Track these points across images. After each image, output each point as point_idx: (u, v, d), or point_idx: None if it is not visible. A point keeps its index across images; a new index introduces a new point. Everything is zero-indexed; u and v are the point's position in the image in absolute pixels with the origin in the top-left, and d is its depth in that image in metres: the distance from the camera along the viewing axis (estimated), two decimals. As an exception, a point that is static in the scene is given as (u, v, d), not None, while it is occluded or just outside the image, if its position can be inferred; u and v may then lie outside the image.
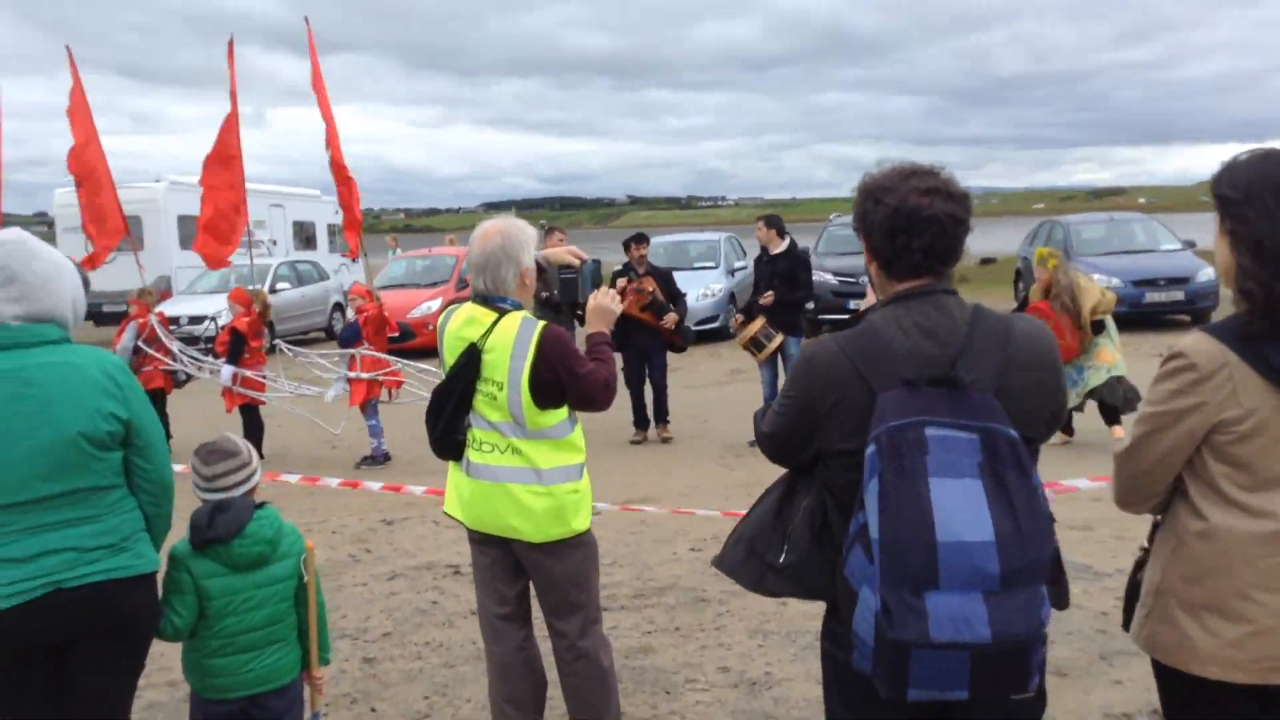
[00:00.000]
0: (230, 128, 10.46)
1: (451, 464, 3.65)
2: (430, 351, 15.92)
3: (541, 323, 3.49)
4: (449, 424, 3.54)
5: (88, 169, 10.50)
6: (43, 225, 29.60)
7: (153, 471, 2.86)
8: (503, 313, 3.49)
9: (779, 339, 8.97)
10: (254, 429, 9.59)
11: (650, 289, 9.59)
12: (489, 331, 3.47)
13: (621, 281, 9.65)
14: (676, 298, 9.84)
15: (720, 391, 12.74)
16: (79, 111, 10.37)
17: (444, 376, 3.59)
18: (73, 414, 2.66)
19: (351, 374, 9.20)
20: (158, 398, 9.99)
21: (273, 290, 18.42)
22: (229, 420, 9.87)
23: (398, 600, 5.73)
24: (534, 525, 3.47)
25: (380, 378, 9.22)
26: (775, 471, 2.45)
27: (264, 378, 9.61)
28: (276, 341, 9.99)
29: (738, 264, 18.52)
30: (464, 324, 3.55)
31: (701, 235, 21.12)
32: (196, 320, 17.14)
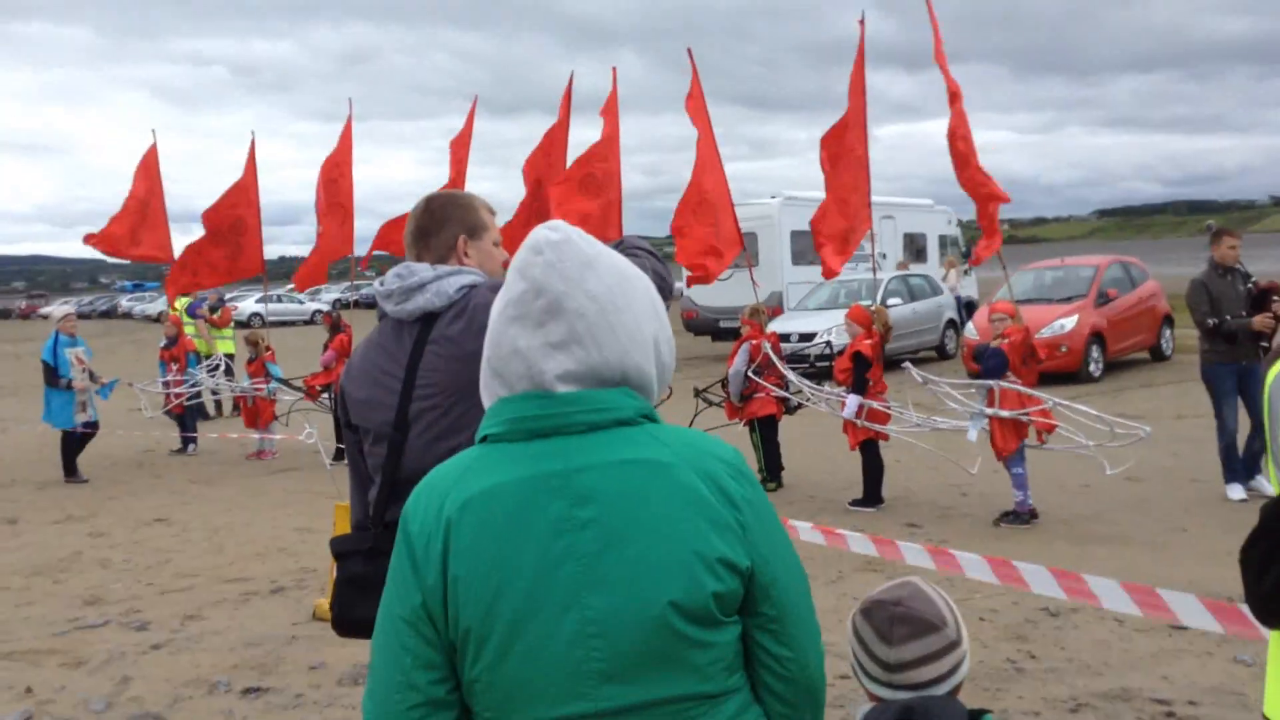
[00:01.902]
0: (853, 114, 9.41)
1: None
2: (1065, 376, 13.80)
3: None
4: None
5: (709, 187, 10.10)
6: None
7: (793, 662, 1.50)
8: None
9: None
10: (873, 470, 8.35)
11: None
12: None
13: None
14: None
15: None
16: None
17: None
18: (659, 563, 1.38)
19: (989, 410, 7.53)
20: (769, 425, 9.21)
21: (883, 305, 17.39)
22: (851, 458, 8.75)
23: (1092, 755, 3.99)
24: None
25: (1027, 418, 7.44)
26: None
27: (889, 409, 8.32)
28: (905, 364, 8.65)
29: None
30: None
31: None
32: (806, 338, 16.63)
